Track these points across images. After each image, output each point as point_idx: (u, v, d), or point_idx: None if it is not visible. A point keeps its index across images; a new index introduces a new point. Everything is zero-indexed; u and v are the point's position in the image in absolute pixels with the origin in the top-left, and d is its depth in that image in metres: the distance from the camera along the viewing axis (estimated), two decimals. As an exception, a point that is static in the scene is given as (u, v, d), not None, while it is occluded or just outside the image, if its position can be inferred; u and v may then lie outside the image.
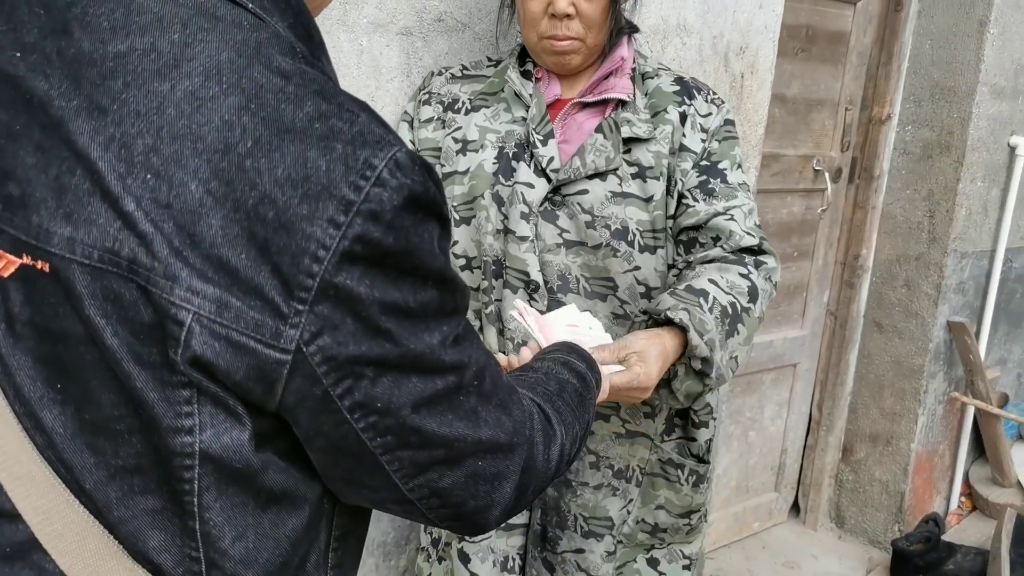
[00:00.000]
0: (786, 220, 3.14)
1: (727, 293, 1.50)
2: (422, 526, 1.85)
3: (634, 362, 1.35)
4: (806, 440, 3.54)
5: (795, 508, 3.60)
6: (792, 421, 3.45)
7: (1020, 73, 3.19)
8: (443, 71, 1.74)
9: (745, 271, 1.55)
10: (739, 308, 1.51)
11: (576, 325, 1.43)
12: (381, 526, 2.01)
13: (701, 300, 1.46)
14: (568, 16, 1.55)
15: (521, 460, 0.83)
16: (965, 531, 3.43)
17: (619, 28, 1.63)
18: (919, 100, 3.20)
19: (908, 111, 3.23)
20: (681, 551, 1.78)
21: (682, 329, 1.43)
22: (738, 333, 1.51)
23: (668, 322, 1.44)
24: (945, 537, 3.27)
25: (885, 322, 3.35)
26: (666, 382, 1.48)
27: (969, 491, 3.62)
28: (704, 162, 1.61)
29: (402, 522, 2.04)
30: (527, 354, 1.31)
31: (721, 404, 2.89)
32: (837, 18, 3.07)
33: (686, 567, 1.79)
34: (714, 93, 1.68)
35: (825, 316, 3.42)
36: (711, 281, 1.50)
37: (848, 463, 3.50)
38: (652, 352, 1.37)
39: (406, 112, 1.74)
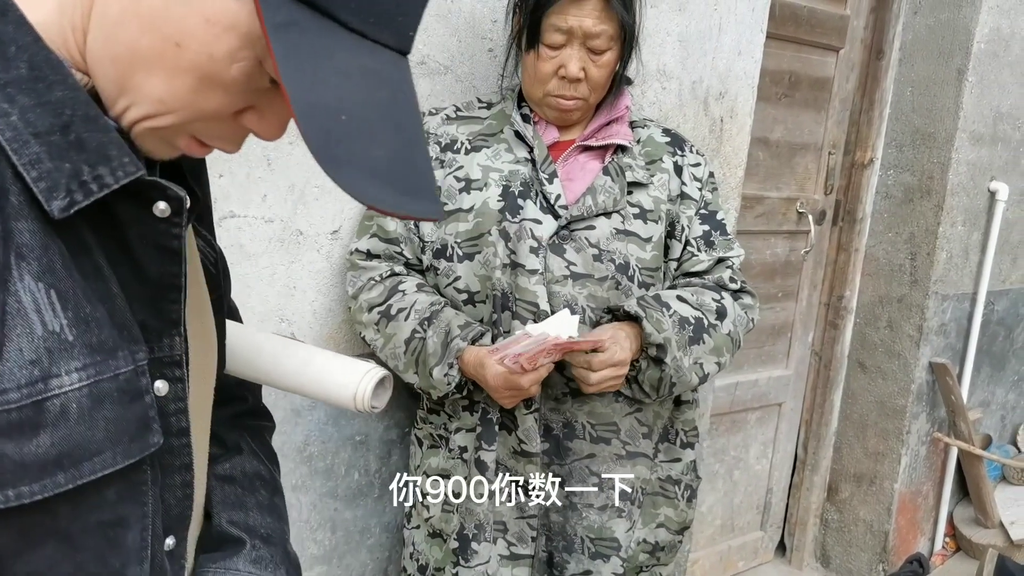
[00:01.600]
0: (770, 261, 3.19)
1: (695, 308, 1.70)
2: (408, 552, 1.89)
3: (609, 345, 1.60)
4: (792, 479, 3.57)
5: (781, 547, 3.62)
6: (777, 460, 3.48)
7: (999, 120, 3.26)
8: (435, 111, 1.83)
9: (718, 296, 1.76)
10: (705, 323, 1.70)
11: (557, 335, 1.57)
12: (359, 557, 2.04)
13: (663, 308, 1.67)
14: (577, 80, 1.67)
15: None
16: (949, 572, 3.45)
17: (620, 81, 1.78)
18: (900, 145, 3.27)
19: (890, 156, 3.30)
20: (660, 573, 1.87)
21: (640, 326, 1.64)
22: (703, 343, 1.69)
23: (627, 317, 1.67)
24: (928, 577, 3.29)
25: (868, 363, 3.39)
26: (634, 378, 1.69)
27: (953, 532, 3.64)
28: (703, 211, 1.80)
29: (381, 553, 2.08)
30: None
31: (704, 442, 2.93)
32: (820, 65, 3.15)
33: None
34: (694, 146, 1.88)
35: (810, 356, 3.47)
36: (679, 297, 1.71)
37: (833, 502, 3.53)
38: (620, 335, 1.64)
39: None
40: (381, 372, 1.16)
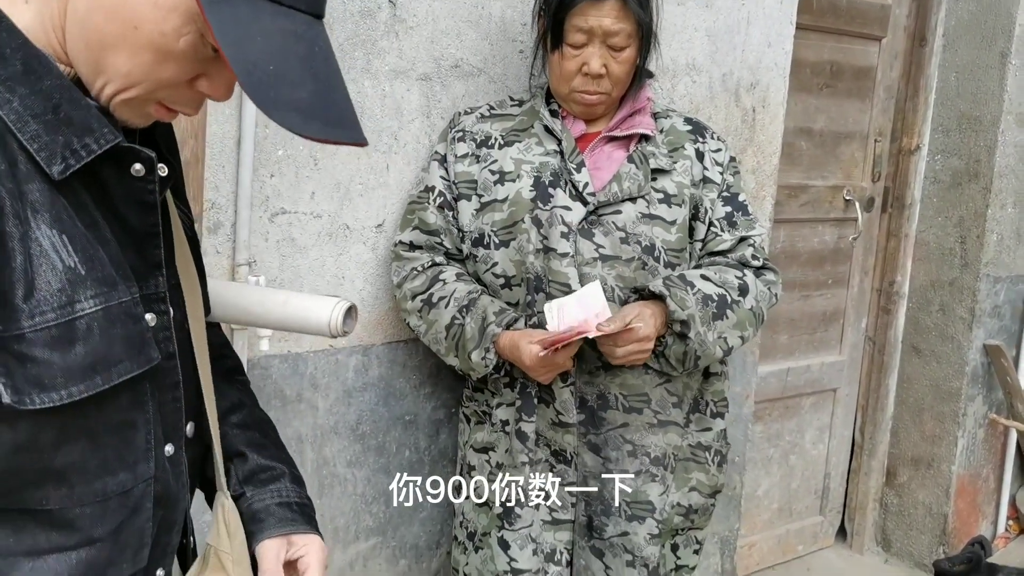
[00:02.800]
0: (818, 248, 3.25)
1: (718, 286, 1.81)
2: (458, 521, 2.03)
3: (636, 322, 1.72)
4: (850, 464, 3.61)
5: (841, 532, 3.65)
6: (834, 445, 3.53)
7: (1046, 101, 3.27)
8: (471, 111, 1.97)
9: (740, 273, 1.86)
10: (728, 299, 1.81)
11: (592, 307, 1.72)
12: (412, 529, 2.19)
13: (687, 286, 1.78)
14: (600, 76, 1.79)
15: None
16: (1011, 554, 3.45)
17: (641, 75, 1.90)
18: (947, 130, 3.30)
19: (937, 141, 3.33)
20: (695, 536, 1.99)
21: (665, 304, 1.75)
22: (726, 318, 1.80)
23: (653, 296, 1.78)
24: (990, 559, 3.30)
25: (922, 346, 3.42)
26: (661, 353, 1.81)
27: (1016, 514, 3.63)
28: (725, 193, 1.91)
29: (433, 526, 2.22)
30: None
31: (754, 426, 3.00)
32: (863, 54, 3.21)
33: (696, 551, 2.01)
34: (715, 133, 1.99)
35: (864, 342, 3.51)
36: (702, 276, 1.82)
37: (892, 486, 3.56)
38: (644, 313, 1.75)
39: (436, 151, 1.96)
40: (348, 303, 1.41)
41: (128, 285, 0.90)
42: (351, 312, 1.37)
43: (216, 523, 1.12)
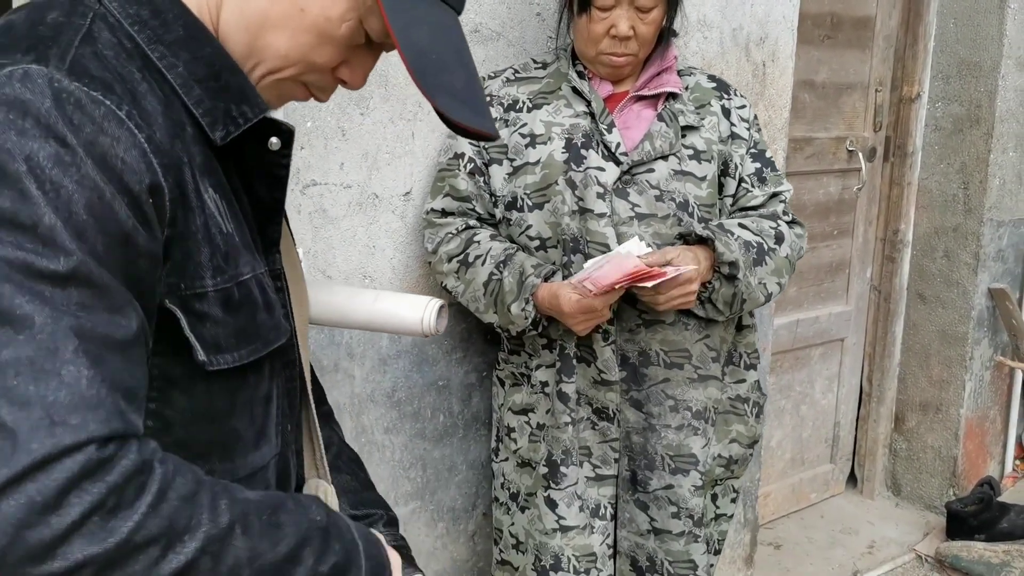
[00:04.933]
0: (823, 200, 3.28)
1: (755, 234, 1.85)
2: (499, 483, 2.06)
3: (680, 260, 1.73)
4: (858, 412, 3.66)
5: (852, 479, 3.72)
6: (843, 394, 3.58)
7: (1044, 44, 3.29)
8: (495, 75, 1.97)
9: (774, 223, 1.90)
10: (766, 247, 1.85)
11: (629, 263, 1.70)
12: (449, 492, 2.21)
13: (727, 232, 1.81)
14: (627, 38, 1.80)
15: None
16: (1020, 492, 3.52)
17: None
18: (947, 77, 3.32)
19: (937, 88, 3.35)
20: (732, 485, 2.04)
21: (710, 248, 1.79)
22: (765, 264, 1.84)
23: (699, 242, 1.81)
24: (1000, 499, 3.37)
25: (928, 293, 3.47)
26: (707, 299, 1.84)
27: (1022, 454, 3.71)
28: (753, 150, 1.94)
29: (468, 488, 2.25)
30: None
31: (768, 378, 3.04)
32: (861, 4, 3.22)
33: (733, 500, 2.06)
34: (737, 90, 2.01)
35: (869, 291, 3.55)
36: (740, 224, 1.86)
37: (901, 432, 3.62)
38: (688, 254, 1.77)
39: None
40: (440, 301, 1.40)
41: (260, 257, 0.91)
42: (442, 311, 1.37)
43: None
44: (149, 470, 0.71)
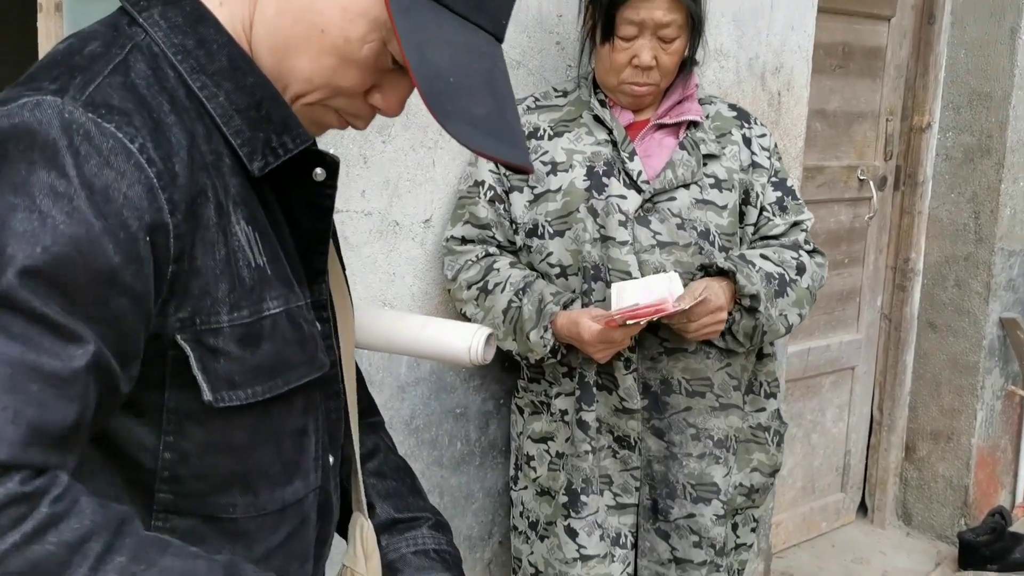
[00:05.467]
0: (834, 228, 3.29)
1: (776, 265, 1.85)
2: (517, 511, 2.05)
3: (707, 295, 1.74)
4: (869, 440, 3.65)
5: (862, 508, 3.70)
6: (854, 422, 3.57)
7: (1055, 75, 3.31)
8: (516, 103, 1.97)
9: (796, 254, 1.90)
10: (787, 278, 1.85)
11: (658, 291, 1.73)
12: (466, 520, 2.20)
13: (749, 264, 1.82)
14: (650, 68, 1.82)
15: None
16: (1032, 522, 3.51)
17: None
18: (958, 107, 3.34)
19: (948, 118, 3.37)
20: (752, 515, 2.04)
21: (732, 280, 1.79)
22: (787, 295, 1.85)
23: (720, 274, 1.81)
24: (1012, 529, 3.36)
25: (938, 322, 3.47)
26: (728, 330, 1.84)
27: (1034, 484, 3.69)
28: (774, 179, 1.94)
29: (485, 516, 2.23)
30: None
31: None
32: (872, 34, 3.24)
33: (753, 529, 2.06)
34: (757, 119, 2.03)
35: (880, 319, 3.55)
36: (762, 256, 1.86)
37: (912, 461, 3.61)
38: (713, 287, 1.79)
39: None
40: (488, 329, 1.37)
41: (302, 289, 0.90)
42: (490, 340, 1.36)
43: (352, 543, 1.09)
44: (33, 504, 0.68)
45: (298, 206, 0.91)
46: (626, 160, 1.87)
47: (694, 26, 1.84)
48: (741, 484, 1.97)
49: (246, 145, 0.84)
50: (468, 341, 1.29)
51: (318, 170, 0.89)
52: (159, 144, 0.77)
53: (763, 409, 2.00)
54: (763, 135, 1.97)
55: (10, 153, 0.72)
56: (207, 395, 0.80)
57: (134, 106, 0.77)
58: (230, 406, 0.82)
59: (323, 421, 0.95)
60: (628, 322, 1.69)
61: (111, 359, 0.74)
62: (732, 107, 2.00)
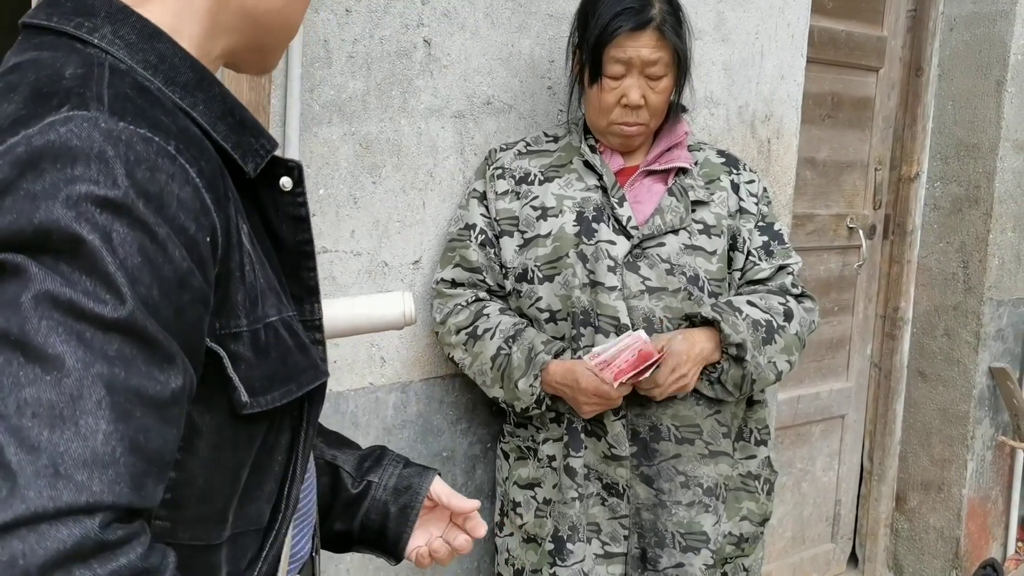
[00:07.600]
0: (824, 276, 3.29)
1: (764, 312, 1.84)
2: (503, 558, 2.02)
3: (665, 358, 1.75)
4: (859, 490, 3.63)
5: (853, 558, 3.66)
6: (844, 472, 3.55)
7: (1041, 127, 3.34)
8: (507, 147, 1.99)
9: (783, 300, 1.90)
10: (775, 324, 1.84)
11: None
12: (451, 566, 2.17)
13: (735, 311, 1.81)
14: (639, 106, 1.82)
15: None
16: (1023, 575, 3.47)
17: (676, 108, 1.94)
18: (945, 158, 3.37)
19: (936, 168, 3.39)
20: (742, 564, 2.00)
21: (717, 329, 1.78)
22: (775, 343, 1.83)
23: (705, 323, 1.80)
24: (1003, 581, 3.33)
25: (928, 371, 3.46)
26: (716, 379, 1.83)
27: (1025, 536, 3.67)
28: (761, 224, 1.95)
29: (470, 563, 2.20)
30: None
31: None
32: (861, 85, 3.27)
33: None
34: (747, 164, 2.03)
35: (869, 368, 3.54)
36: (749, 302, 1.85)
37: (903, 511, 3.58)
38: (677, 337, 1.79)
39: (475, 189, 1.97)
40: (409, 292, 1.42)
41: (288, 301, 0.88)
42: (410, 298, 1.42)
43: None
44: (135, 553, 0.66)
45: (276, 219, 0.89)
46: (616, 206, 1.87)
47: (680, 64, 1.85)
48: (730, 533, 1.95)
49: (237, 148, 0.83)
50: (400, 307, 1.34)
51: (284, 180, 0.88)
52: (188, 147, 0.75)
53: (753, 456, 1.98)
54: (751, 180, 1.98)
55: (46, 173, 0.68)
56: (244, 396, 0.79)
57: (151, 113, 0.75)
58: (252, 413, 0.80)
59: (308, 433, 0.93)
60: (624, 379, 1.71)
61: (192, 379, 0.73)
62: (721, 153, 2.01)
